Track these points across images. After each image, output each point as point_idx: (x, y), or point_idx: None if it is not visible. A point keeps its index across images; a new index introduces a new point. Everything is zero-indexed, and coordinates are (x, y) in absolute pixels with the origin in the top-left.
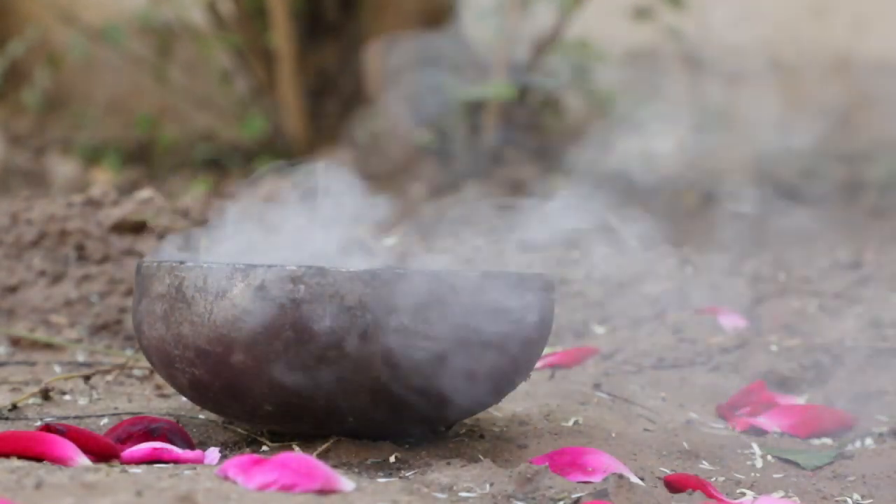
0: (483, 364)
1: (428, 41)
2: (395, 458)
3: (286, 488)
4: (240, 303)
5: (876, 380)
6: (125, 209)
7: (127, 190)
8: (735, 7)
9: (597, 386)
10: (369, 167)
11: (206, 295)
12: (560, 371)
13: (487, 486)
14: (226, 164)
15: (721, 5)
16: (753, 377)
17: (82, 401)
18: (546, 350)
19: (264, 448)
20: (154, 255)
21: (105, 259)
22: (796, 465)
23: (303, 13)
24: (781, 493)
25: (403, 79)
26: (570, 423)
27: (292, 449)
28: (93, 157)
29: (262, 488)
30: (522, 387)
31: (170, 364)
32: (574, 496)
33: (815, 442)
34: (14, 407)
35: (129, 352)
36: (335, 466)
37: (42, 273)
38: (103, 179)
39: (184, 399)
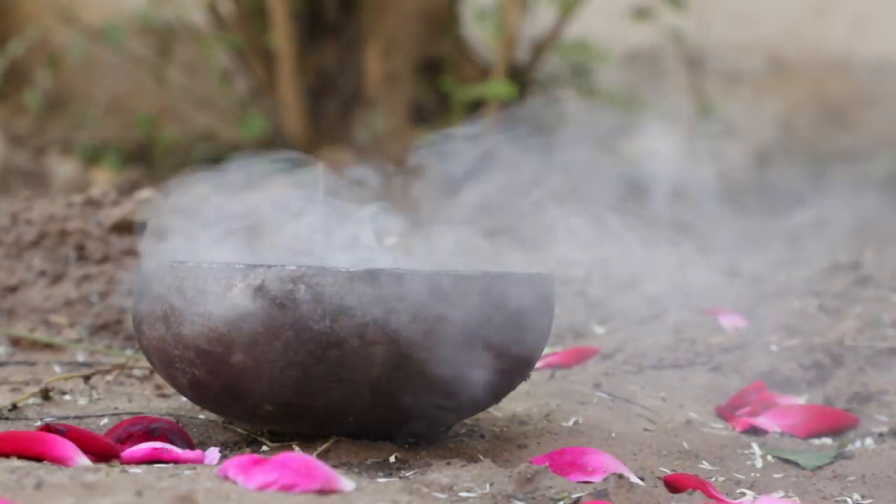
0: (483, 364)
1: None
2: (395, 458)
3: (286, 488)
4: (240, 303)
5: (876, 380)
6: (125, 209)
7: (127, 190)
8: (735, 7)
9: (597, 386)
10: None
11: (206, 295)
12: (560, 371)
13: (487, 486)
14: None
15: (721, 5)
16: (753, 377)
17: (82, 401)
18: (546, 350)
19: (264, 448)
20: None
21: (105, 259)
22: (796, 465)
23: (303, 13)
24: (781, 493)
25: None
26: (570, 423)
27: (292, 449)
28: (93, 157)
29: (262, 488)
30: (522, 387)
31: (170, 364)
32: (574, 496)
33: (815, 442)
34: (14, 407)
35: (129, 352)
36: (335, 466)
37: (42, 273)
38: (103, 179)
39: (184, 399)
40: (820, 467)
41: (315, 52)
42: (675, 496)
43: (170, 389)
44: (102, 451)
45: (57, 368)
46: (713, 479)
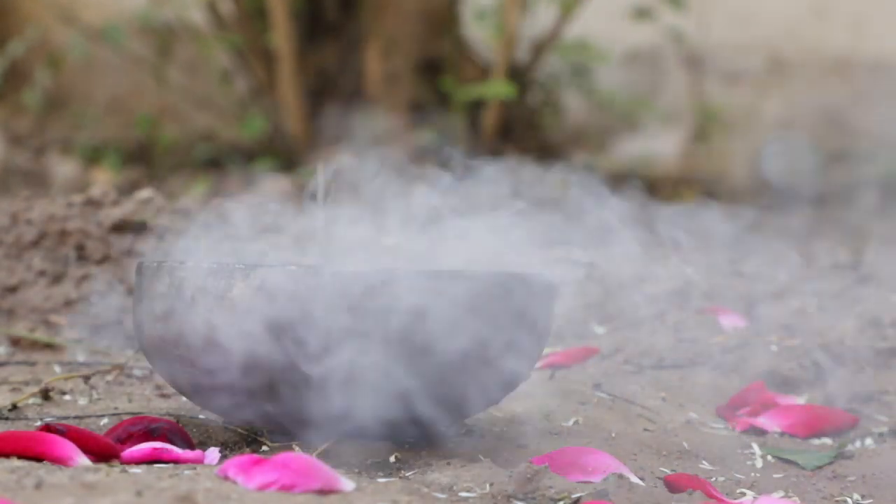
0: (484, 364)
1: None
2: (395, 458)
3: (286, 488)
4: (240, 303)
5: (876, 380)
6: (125, 209)
7: (127, 190)
8: (735, 7)
9: (597, 386)
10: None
11: (206, 295)
12: (560, 371)
13: (487, 486)
14: (226, 164)
15: (721, 5)
16: (753, 377)
17: (82, 401)
18: (546, 350)
19: (264, 448)
20: (154, 254)
21: (105, 259)
22: (796, 465)
23: (303, 13)
24: (781, 493)
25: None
26: (570, 423)
27: (292, 449)
28: (93, 157)
29: (262, 488)
30: (522, 387)
31: (170, 364)
32: (574, 496)
33: (815, 442)
34: (14, 407)
35: (129, 352)
36: (335, 466)
37: (42, 273)
38: (103, 179)
39: (184, 399)
40: (820, 467)
41: (315, 52)
42: (675, 496)
43: (170, 389)
44: (102, 451)
45: (57, 368)
46: (713, 479)
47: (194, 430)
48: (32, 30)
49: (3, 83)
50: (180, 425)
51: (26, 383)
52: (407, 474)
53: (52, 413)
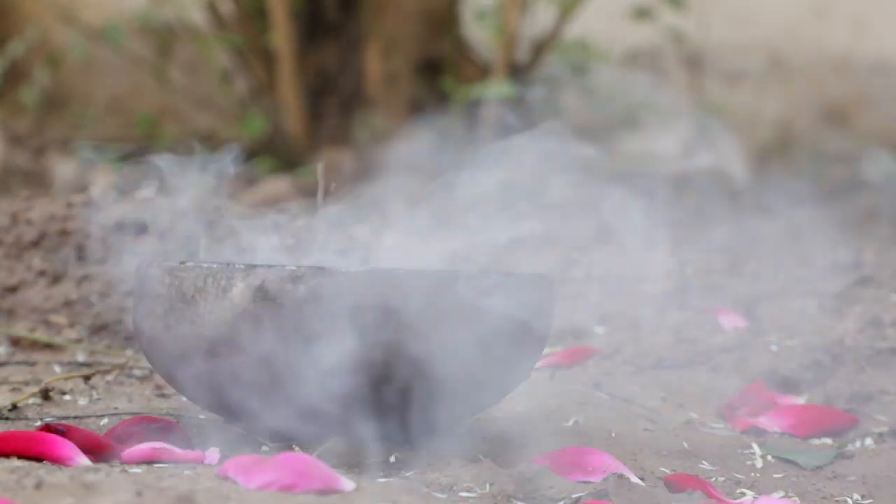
0: (484, 364)
1: None
2: (395, 458)
3: (286, 488)
4: (240, 303)
5: (876, 380)
6: (125, 209)
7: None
8: (735, 7)
9: (597, 386)
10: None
11: (206, 295)
12: (560, 371)
13: (487, 486)
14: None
15: (721, 5)
16: (753, 377)
17: (82, 401)
18: (546, 350)
19: (264, 448)
20: (154, 255)
21: (105, 259)
22: (796, 465)
23: (303, 13)
24: (781, 493)
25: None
26: (570, 423)
27: (292, 449)
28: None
29: (262, 488)
30: (522, 387)
31: (170, 364)
32: (574, 496)
33: (815, 442)
34: (14, 407)
35: (129, 352)
36: (335, 466)
37: (42, 273)
38: (103, 179)
39: (184, 399)
40: (820, 467)
41: (315, 52)
42: (675, 496)
43: (170, 389)
44: (102, 451)
45: (57, 368)
46: (713, 479)
47: (194, 430)
48: (32, 30)
49: (2, 83)
50: (180, 425)
51: (26, 383)
52: (407, 474)
53: (52, 413)
